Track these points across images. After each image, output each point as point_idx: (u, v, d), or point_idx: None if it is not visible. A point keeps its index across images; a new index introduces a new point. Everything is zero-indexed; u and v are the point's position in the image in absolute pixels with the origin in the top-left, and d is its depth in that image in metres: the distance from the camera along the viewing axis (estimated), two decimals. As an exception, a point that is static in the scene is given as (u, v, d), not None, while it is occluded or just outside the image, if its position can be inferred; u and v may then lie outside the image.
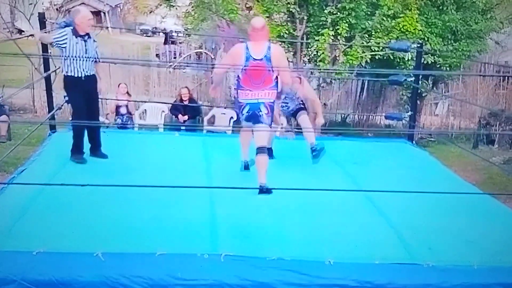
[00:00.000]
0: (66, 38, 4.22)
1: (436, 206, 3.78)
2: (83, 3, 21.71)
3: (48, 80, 5.26)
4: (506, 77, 11.54)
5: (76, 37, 4.25)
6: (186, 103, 8.79)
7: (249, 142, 4.18)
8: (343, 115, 11.99)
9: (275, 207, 3.62)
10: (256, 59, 3.84)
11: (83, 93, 4.36)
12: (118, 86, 9.06)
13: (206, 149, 5.03)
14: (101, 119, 9.03)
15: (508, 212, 3.98)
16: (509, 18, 10.80)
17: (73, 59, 4.22)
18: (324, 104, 9.79)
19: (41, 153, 4.61)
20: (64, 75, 4.36)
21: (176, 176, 4.01)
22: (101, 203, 3.44)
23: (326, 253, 2.93)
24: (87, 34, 4.33)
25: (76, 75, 4.29)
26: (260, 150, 3.95)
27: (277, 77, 3.92)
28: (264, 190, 3.78)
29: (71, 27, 4.27)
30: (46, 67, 5.22)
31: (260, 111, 3.93)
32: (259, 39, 3.88)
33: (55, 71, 5.12)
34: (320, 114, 4.84)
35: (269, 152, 5.09)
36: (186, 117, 8.80)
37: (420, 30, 8.47)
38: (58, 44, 4.26)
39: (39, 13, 5.14)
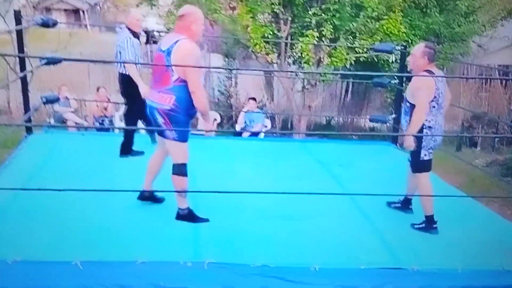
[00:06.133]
0: (133, 45, 4.53)
1: (419, 210, 3.78)
2: (61, 1, 21.36)
3: (24, 80, 5.11)
4: (489, 80, 11.73)
5: (134, 37, 4.56)
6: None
7: (156, 168, 3.50)
8: (327, 118, 12.03)
9: (259, 211, 3.57)
10: (160, 50, 3.18)
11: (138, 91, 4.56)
12: (98, 90, 8.86)
13: (189, 152, 4.94)
14: (79, 120, 8.87)
15: (491, 215, 4.04)
16: (491, 21, 10.98)
17: (134, 58, 4.50)
18: (309, 106, 9.78)
19: (17, 156, 4.47)
20: (121, 73, 4.60)
21: (158, 180, 3.91)
22: (79, 209, 3.35)
23: (311, 259, 2.90)
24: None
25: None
26: (174, 168, 3.28)
27: (182, 80, 3.12)
28: (183, 216, 3.32)
29: (127, 28, 4.58)
30: (22, 67, 5.08)
31: (156, 118, 3.21)
32: (175, 29, 3.24)
33: (31, 71, 4.98)
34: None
35: None
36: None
37: (404, 32, 8.52)
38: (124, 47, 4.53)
39: (15, 10, 4.98)
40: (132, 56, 4.51)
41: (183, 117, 3.19)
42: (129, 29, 4.60)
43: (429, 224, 3.52)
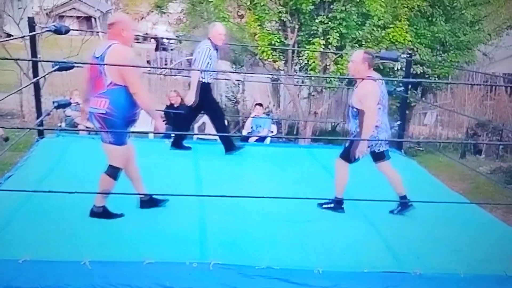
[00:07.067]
0: (211, 56, 4.84)
1: (423, 215, 3.82)
2: (73, 8, 21.63)
3: (37, 85, 5.21)
4: (494, 89, 11.72)
5: (213, 49, 4.87)
6: (176, 106, 8.73)
7: (136, 175, 3.55)
8: (333, 124, 12.06)
9: (264, 215, 3.61)
10: (94, 57, 3.22)
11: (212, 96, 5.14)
12: None
13: (197, 157, 5.02)
14: (90, 125, 8.97)
15: (494, 221, 4.05)
16: (497, 30, 10.97)
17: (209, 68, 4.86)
18: (315, 112, 9.83)
19: (29, 159, 4.56)
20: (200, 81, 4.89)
21: (166, 184, 3.99)
22: (88, 211, 3.40)
23: (315, 262, 2.93)
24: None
25: (208, 82, 4.97)
26: (108, 169, 3.33)
27: (115, 84, 3.17)
28: (97, 214, 3.34)
29: (209, 40, 4.88)
30: (35, 72, 5.18)
31: (94, 123, 3.28)
32: (107, 37, 3.31)
33: (44, 76, 5.08)
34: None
35: None
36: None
37: (410, 40, 8.55)
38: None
39: (28, 17, 5.09)
40: (205, 67, 4.80)
41: (120, 121, 3.21)
42: (210, 41, 4.86)
43: (338, 204, 3.82)
